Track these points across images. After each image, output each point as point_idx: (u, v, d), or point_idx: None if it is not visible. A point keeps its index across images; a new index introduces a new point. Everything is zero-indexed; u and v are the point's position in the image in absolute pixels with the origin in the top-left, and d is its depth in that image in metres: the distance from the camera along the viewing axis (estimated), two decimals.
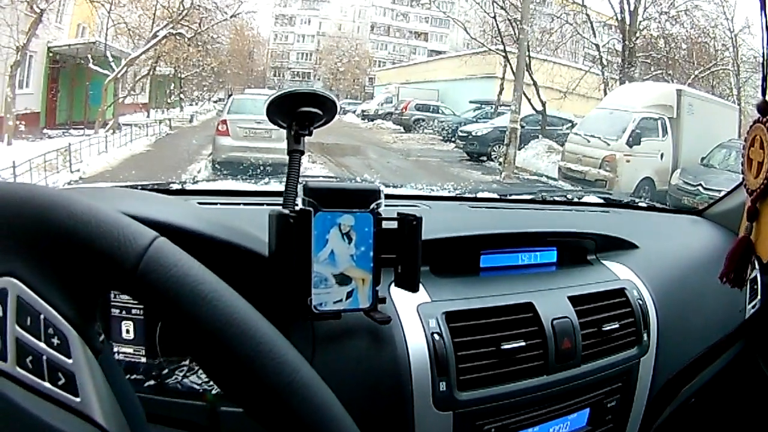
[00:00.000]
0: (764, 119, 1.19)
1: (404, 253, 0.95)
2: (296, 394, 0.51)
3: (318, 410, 0.52)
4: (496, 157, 12.16)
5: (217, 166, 9.06)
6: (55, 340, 0.46)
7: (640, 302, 1.34)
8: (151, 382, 0.92)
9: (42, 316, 0.46)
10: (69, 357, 0.47)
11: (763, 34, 1.23)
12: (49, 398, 0.45)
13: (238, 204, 1.36)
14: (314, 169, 9.29)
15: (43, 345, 0.45)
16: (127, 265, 0.48)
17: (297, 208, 0.89)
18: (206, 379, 0.91)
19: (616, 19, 13.61)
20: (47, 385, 0.45)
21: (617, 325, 1.26)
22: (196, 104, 15.60)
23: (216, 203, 1.33)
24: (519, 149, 11.79)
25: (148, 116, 13.27)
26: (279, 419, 0.51)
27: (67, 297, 0.48)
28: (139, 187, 1.37)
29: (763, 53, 1.22)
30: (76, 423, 0.45)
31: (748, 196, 1.27)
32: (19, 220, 0.47)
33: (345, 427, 0.53)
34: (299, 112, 0.95)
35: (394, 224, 0.95)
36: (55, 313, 0.47)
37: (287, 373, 0.51)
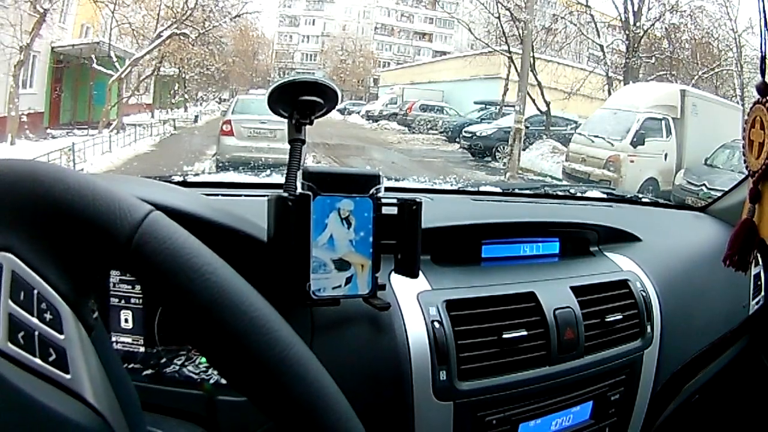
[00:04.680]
0: (764, 100, 1.18)
1: (404, 239, 0.94)
2: (289, 370, 0.50)
3: (311, 387, 0.51)
4: (500, 158, 12.19)
5: (221, 165, 9.07)
6: (48, 315, 0.46)
7: (644, 294, 1.32)
8: (149, 371, 0.91)
9: (36, 291, 0.45)
10: (61, 333, 0.46)
11: (760, 14, 1.22)
12: (40, 375, 0.44)
13: (240, 195, 1.36)
14: None
15: (35, 320, 0.45)
16: (121, 239, 0.47)
17: (297, 192, 0.88)
18: (204, 369, 0.91)
19: (620, 19, 13.62)
20: (38, 361, 0.44)
21: (620, 317, 1.25)
22: (201, 104, 15.65)
23: (218, 194, 1.33)
24: (523, 150, 11.80)
25: (152, 116, 13.34)
26: (271, 395, 0.50)
27: (62, 271, 0.48)
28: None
29: (761, 32, 1.21)
30: (66, 400, 0.45)
31: (750, 177, 1.25)
32: (15, 195, 0.46)
33: (338, 404, 0.53)
34: (300, 101, 0.95)
35: (394, 210, 0.94)
36: (49, 288, 0.46)
37: (280, 348, 0.50)
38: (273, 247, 0.86)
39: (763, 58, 1.21)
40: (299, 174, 0.88)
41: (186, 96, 15.03)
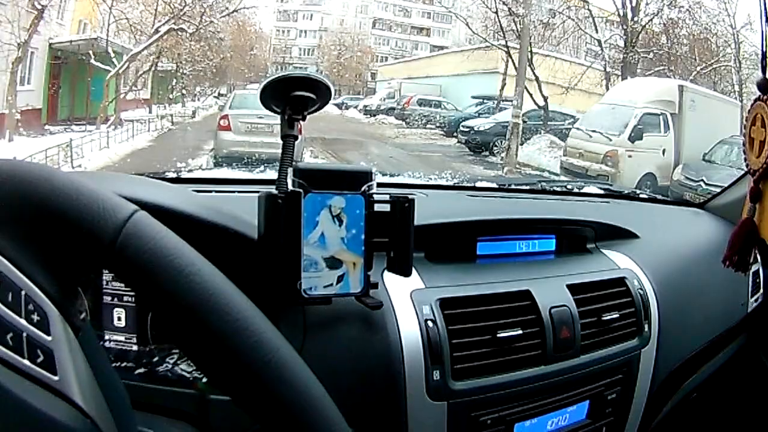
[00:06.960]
0: (765, 97, 1.17)
1: (396, 236, 0.94)
2: (274, 373, 0.50)
3: (296, 390, 0.51)
4: (498, 152, 12.18)
5: (218, 160, 9.08)
6: (35, 317, 0.46)
7: (641, 292, 1.31)
8: (142, 370, 0.91)
9: (23, 292, 0.45)
10: (48, 334, 0.46)
11: (761, 11, 1.21)
12: (28, 376, 0.44)
13: (233, 191, 1.35)
14: None
15: (23, 321, 0.45)
16: (105, 239, 0.47)
17: (288, 190, 0.87)
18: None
19: (618, 14, 13.61)
20: (26, 362, 0.44)
21: (617, 315, 1.24)
22: (198, 99, 15.63)
23: (211, 191, 1.32)
24: (521, 144, 11.82)
25: (150, 112, 13.31)
26: (256, 398, 0.50)
27: (49, 272, 0.48)
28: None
29: (762, 29, 1.20)
30: (54, 402, 0.45)
31: (750, 176, 1.24)
32: (1, 195, 0.46)
33: (324, 407, 0.52)
34: (293, 96, 0.94)
35: (386, 207, 0.94)
36: (36, 289, 0.46)
37: (265, 351, 0.50)
38: (263, 245, 0.86)
39: (763, 55, 1.20)
40: (290, 171, 0.87)
41: (184, 91, 15.01)
